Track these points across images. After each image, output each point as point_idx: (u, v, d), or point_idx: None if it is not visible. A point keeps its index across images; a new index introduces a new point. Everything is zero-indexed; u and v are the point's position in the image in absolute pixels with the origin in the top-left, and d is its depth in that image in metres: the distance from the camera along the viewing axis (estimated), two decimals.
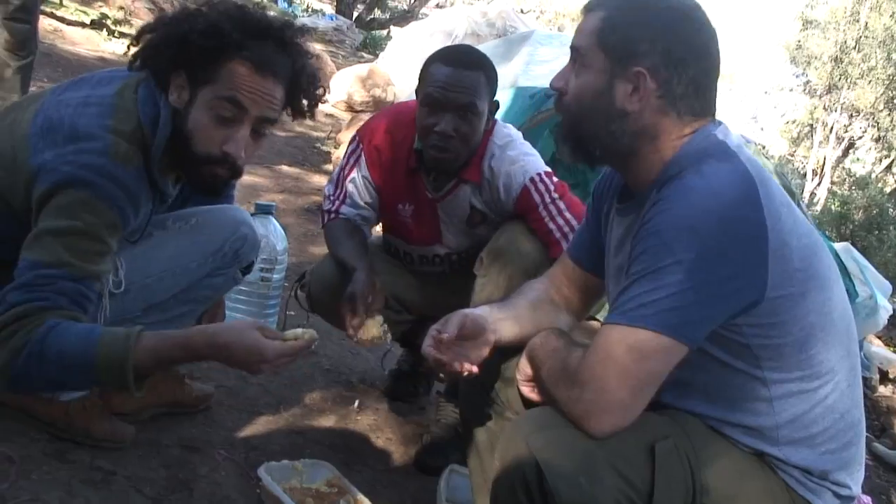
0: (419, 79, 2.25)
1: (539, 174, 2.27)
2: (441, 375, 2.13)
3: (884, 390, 4.45)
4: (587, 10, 1.50)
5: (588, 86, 1.46)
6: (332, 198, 2.43)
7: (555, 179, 2.30)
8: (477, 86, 2.17)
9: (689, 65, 1.43)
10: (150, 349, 1.54)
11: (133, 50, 1.78)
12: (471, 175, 2.29)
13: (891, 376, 4.42)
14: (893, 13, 16.37)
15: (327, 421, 2.46)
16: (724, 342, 1.39)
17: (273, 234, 2.88)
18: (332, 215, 2.42)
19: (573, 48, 1.50)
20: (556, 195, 2.25)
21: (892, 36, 13.74)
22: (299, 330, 1.60)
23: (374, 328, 2.12)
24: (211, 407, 2.26)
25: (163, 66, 1.73)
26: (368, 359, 2.97)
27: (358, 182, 2.40)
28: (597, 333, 1.36)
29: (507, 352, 1.67)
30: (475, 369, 1.57)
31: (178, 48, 1.70)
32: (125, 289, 1.86)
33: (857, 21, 17.63)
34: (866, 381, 4.48)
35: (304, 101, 1.84)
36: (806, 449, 1.44)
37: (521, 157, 2.29)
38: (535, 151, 2.38)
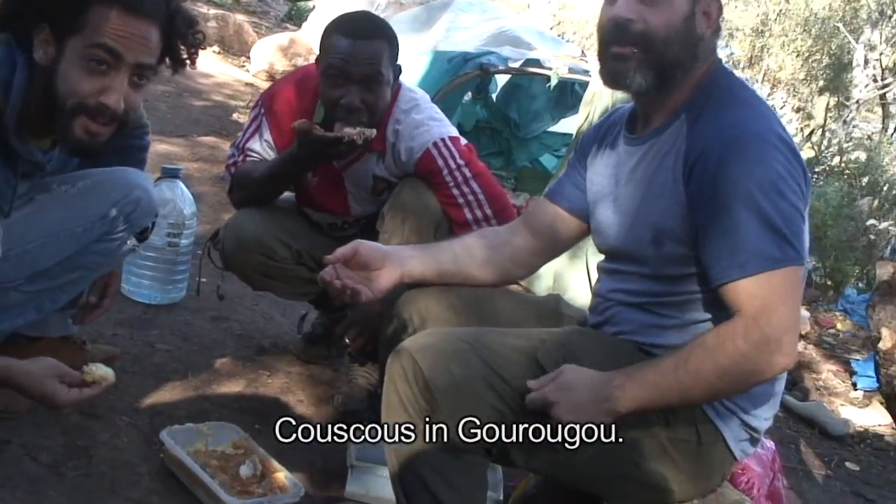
0: (320, 50, 2.19)
1: (443, 139, 2.24)
2: (349, 339, 2.11)
3: None
4: None
5: (678, 10, 1.53)
6: (235, 157, 2.37)
7: (462, 143, 2.27)
8: (380, 54, 2.13)
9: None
10: None
11: None
12: (376, 144, 2.24)
13: (802, 332, 4.55)
14: None
15: (237, 385, 2.41)
16: None
17: (180, 198, 2.81)
18: (240, 163, 2.36)
19: None
20: (461, 161, 2.23)
21: (812, 10, 14.09)
22: (100, 370, 1.70)
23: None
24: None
25: (22, 23, 1.59)
26: (281, 323, 2.93)
27: (259, 148, 2.34)
28: (748, 286, 1.43)
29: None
30: (361, 288, 1.66)
31: (37, 1, 1.57)
32: (3, 255, 1.76)
33: None
34: None
35: (183, 48, 1.72)
36: None
37: (426, 122, 2.26)
38: (442, 116, 2.35)
